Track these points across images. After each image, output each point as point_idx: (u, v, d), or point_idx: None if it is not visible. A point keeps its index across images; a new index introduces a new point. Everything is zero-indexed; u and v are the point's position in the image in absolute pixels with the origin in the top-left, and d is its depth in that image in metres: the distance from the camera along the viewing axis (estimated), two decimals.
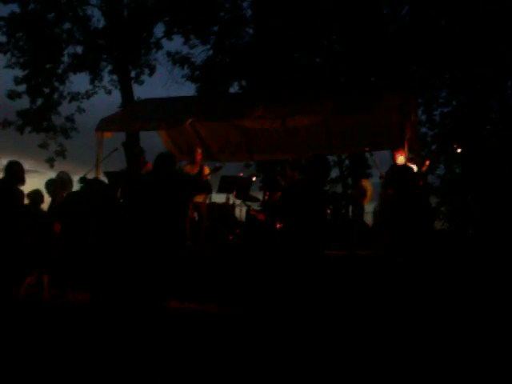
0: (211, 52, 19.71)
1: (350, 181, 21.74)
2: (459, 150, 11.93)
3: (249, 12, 19.72)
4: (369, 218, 10.56)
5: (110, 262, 6.68)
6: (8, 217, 6.30)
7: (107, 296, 6.35)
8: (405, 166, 8.71)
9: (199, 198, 10.00)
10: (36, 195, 8.11)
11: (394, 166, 9.02)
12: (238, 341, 5.35)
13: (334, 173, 22.36)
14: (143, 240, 6.28)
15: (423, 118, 19.06)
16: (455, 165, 20.11)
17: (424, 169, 9.15)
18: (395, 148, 9.26)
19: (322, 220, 6.03)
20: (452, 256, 8.34)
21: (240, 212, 11.26)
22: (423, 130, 18.90)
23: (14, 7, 18.65)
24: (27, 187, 7.20)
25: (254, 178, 11.13)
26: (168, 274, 6.55)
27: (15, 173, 6.79)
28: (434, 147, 19.63)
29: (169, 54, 19.97)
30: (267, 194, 10.63)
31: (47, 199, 8.38)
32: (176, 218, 6.68)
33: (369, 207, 10.45)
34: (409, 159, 8.92)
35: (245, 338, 5.47)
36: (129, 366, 4.40)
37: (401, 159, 8.90)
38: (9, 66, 18.85)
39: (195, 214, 10.09)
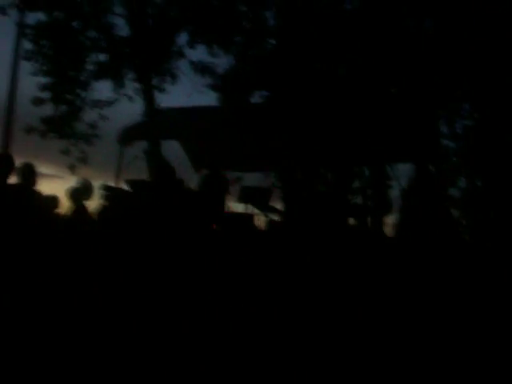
0: (233, 62, 19.79)
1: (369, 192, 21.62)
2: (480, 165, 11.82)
3: (272, 22, 19.77)
4: (389, 230, 10.50)
5: None
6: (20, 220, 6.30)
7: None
8: (428, 178, 8.64)
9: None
10: (52, 200, 8.21)
11: (416, 178, 8.95)
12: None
13: (354, 184, 22.30)
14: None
15: (444, 130, 18.95)
16: (476, 178, 19.95)
17: (445, 185, 9.07)
18: (417, 160, 9.22)
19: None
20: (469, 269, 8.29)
21: (259, 222, 11.26)
22: (445, 142, 18.79)
23: (41, 15, 18.91)
24: (48, 192, 7.25)
25: (274, 189, 11.17)
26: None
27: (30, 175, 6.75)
28: (455, 160, 19.50)
29: (191, 62, 20.07)
30: (286, 204, 10.65)
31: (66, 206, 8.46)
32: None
33: (389, 219, 10.40)
34: (430, 172, 8.87)
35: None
36: None
37: (422, 172, 8.86)
38: (34, 73, 19.08)
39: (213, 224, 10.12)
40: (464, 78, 17.52)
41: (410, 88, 16.48)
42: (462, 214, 21.08)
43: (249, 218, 10.58)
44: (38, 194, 6.75)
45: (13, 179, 6.56)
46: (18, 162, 6.60)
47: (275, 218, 10.66)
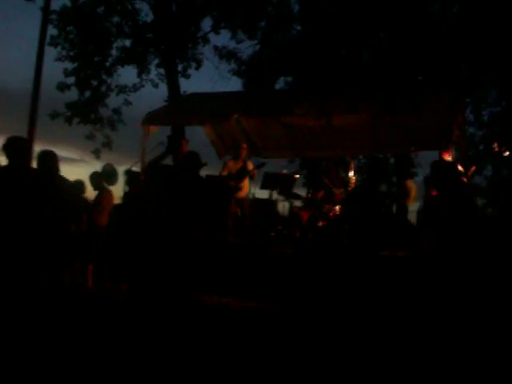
0: (258, 47, 19.70)
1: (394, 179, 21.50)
2: (507, 153, 11.63)
3: (296, 7, 19.61)
4: (413, 218, 10.42)
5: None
6: (49, 204, 6.30)
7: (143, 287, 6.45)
8: (449, 164, 8.49)
9: (242, 194, 10.05)
10: (78, 185, 8.25)
11: (436, 163, 8.76)
12: (276, 336, 5.35)
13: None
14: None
15: (471, 117, 18.70)
16: (503, 166, 19.70)
17: (469, 174, 8.93)
18: (442, 148, 9.13)
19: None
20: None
21: (283, 208, 11.26)
22: (471, 130, 18.55)
23: (65, 1, 19.00)
24: (73, 176, 7.28)
25: (297, 176, 11.14)
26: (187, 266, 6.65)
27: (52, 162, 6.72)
28: (481, 148, 19.25)
29: (216, 48, 20.02)
30: (310, 191, 10.62)
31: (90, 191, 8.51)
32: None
33: (413, 207, 10.32)
34: (455, 160, 8.77)
35: (284, 333, 5.47)
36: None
37: (448, 160, 8.77)
38: (59, 59, 19.18)
39: (238, 210, 10.14)
40: (491, 64, 17.24)
41: (436, 75, 16.26)
42: (487, 202, 20.86)
43: (272, 204, 10.59)
44: (64, 179, 6.77)
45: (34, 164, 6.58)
46: (41, 147, 6.58)
47: (298, 204, 10.65)
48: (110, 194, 8.55)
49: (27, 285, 5.59)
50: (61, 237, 6.35)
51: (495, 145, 10.89)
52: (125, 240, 7.10)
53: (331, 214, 9.89)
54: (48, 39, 17.12)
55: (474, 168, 9.02)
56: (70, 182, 7.30)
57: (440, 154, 9.09)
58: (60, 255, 6.42)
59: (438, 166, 8.37)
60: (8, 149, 5.77)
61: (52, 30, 18.45)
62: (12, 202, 5.64)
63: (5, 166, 5.80)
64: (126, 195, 7.89)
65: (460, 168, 8.81)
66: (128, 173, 8.27)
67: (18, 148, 5.88)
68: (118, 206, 8.03)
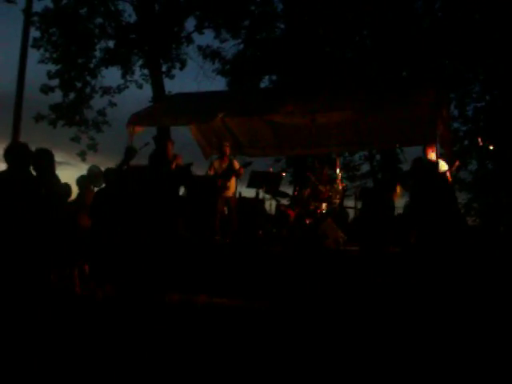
0: (242, 46, 19.74)
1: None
2: (491, 147, 11.72)
3: (280, 6, 19.67)
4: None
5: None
6: (33, 207, 6.26)
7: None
8: (429, 161, 8.53)
9: (229, 193, 10.06)
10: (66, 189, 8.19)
11: (417, 161, 8.80)
12: (263, 335, 5.35)
13: (365, 168, 22.32)
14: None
15: (455, 113, 18.82)
16: (488, 161, 19.83)
17: (453, 169, 8.97)
18: (426, 144, 9.16)
19: None
20: (480, 253, 8.24)
21: (270, 207, 11.27)
22: (455, 125, 18.67)
23: (48, 2, 18.94)
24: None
25: (283, 174, 11.16)
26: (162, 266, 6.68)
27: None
28: (466, 143, 19.37)
29: (200, 48, 20.03)
30: (297, 189, 10.64)
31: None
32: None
33: (400, 203, 10.35)
34: (440, 155, 8.80)
35: (270, 332, 5.47)
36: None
37: (432, 155, 8.81)
38: (42, 61, 19.11)
39: (225, 209, 10.14)
40: (474, 59, 17.37)
41: (421, 70, 16.37)
42: (473, 197, 21.01)
43: (259, 202, 10.60)
44: (58, 183, 6.75)
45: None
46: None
47: (285, 202, 10.67)
48: (92, 193, 8.49)
49: (17, 286, 5.59)
50: (53, 239, 6.34)
51: (479, 139, 10.95)
52: (104, 240, 7.09)
53: (318, 212, 9.91)
54: (31, 41, 17.08)
55: (457, 163, 9.05)
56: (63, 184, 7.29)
57: (424, 150, 9.12)
58: (50, 257, 6.41)
59: (419, 164, 8.42)
60: (8, 155, 5.80)
61: (34, 32, 18.40)
62: (8, 207, 5.67)
63: (4, 171, 5.85)
64: (99, 193, 7.86)
65: (444, 163, 8.85)
66: (107, 172, 8.21)
67: (17, 154, 5.91)
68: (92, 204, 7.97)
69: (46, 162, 6.45)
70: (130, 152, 7.88)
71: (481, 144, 11.32)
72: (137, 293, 6.56)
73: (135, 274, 6.74)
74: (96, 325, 5.44)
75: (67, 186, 7.82)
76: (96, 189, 8.39)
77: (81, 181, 8.41)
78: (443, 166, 8.76)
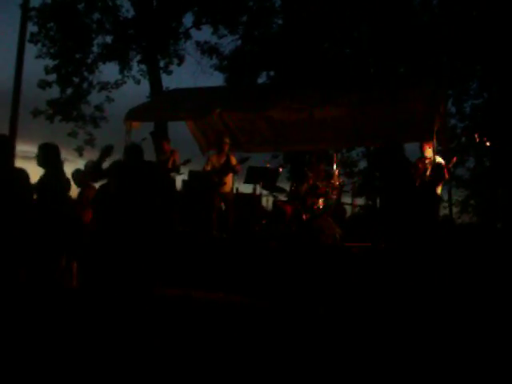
0: (240, 42, 19.73)
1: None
2: (488, 144, 11.72)
3: (278, 2, 19.65)
4: None
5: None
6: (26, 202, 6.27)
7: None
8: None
9: (226, 188, 10.05)
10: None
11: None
12: (260, 331, 5.36)
13: (362, 164, 22.32)
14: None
15: (453, 109, 18.87)
16: (485, 158, 19.88)
17: (450, 165, 8.97)
18: (423, 140, 9.18)
19: None
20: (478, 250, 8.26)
21: (267, 202, 11.28)
22: (453, 122, 18.71)
23: None
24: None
25: (280, 169, 11.16)
26: (153, 261, 6.67)
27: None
28: (463, 140, 19.40)
29: (197, 43, 20.03)
30: (294, 184, 10.64)
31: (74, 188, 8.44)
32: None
33: None
34: (437, 152, 8.81)
35: (268, 329, 5.48)
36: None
37: (429, 151, 8.83)
38: (39, 56, 19.09)
39: (222, 204, 10.13)
40: (472, 57, 17.38)
41: (418, 67, 16.38)
42: (470, 194, 21.06)
43: (256, 198, 10.61)
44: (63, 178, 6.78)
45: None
46: (23, 146, 6.57)
47: (282, 198, 10.67)
48: (93, 190, 8.49)
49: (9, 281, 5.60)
50: (50, 233, 6.36)
51: (476, 136, 10.96)
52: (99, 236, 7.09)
53: (315, 208, 9.92)
54: (28, 36, 17.06)
55: (455, 159, 9.06)
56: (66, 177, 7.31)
57: (421, 146, 9.15)
58: (47, 251, 6.42)
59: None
60: None
61: (32, 27, 18.37)
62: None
63: None
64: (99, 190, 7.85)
65: (440, 160, 8.86)
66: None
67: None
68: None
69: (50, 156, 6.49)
70: (107, 149, 7.86)
71: (477, 140, 11.32)
72: (125, 287, 6.57)
73: (124, 269, 6.75)
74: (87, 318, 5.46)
75: (67, 181, 7.80)
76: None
77: (77, 175, 8.41)
78: (440, 162, 8.79)
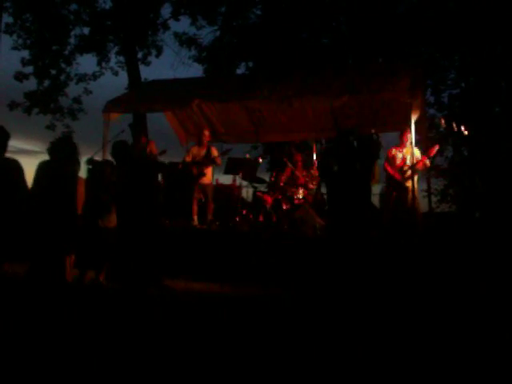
0: (218, 33, 19.64)
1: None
2: (466, 133, 11.78)
3: None
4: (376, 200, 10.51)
5: None
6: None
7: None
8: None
9: (206, 180, 10.03)
10: None
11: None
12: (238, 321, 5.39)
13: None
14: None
15: (431, 99, 18.95)
16: (463, 147, 20.00)
17: (432, 154, 8.96)
18: (402, 130, 9.23)
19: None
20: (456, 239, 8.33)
21: (247, 193, 11.30)
22: (431, 111, 18.80)
23: None
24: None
25: (260, 160, 11.17)
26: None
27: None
28: (441, 129, 19.50)
29: (176, 34, 19.91)
30: (274, 175, 10.67)
31: None
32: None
33: (376, 189, 10.38)
34: (416, 142, 8.85)
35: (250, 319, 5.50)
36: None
37: (408, 141, 8.89)
38: (15, 48, 18.88)
39: (202, 195, 10.12)
40: (450, 47, 17.47)
41: (396, 57, 16.42)
42: (448, 183, 21.20)
43: (236, 189, 10.63)
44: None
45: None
46: None
47: (262, 188, 10.69)
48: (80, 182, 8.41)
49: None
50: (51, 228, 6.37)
51: (454, 125, 11.02)
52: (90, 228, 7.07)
53: (295, 198, 9.95)
54: (3, 27, 16.87)
55: (437, 147, 9.06)
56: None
57: (401, 136, 9.20)
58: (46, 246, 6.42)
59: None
60: None
61: (8, 18, 18.16)
62: None
63: None
64: (88, 184, 7.78)
65: (417, 150, 8.90)
66: (90, 162, 8.13)
67: None
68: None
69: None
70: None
71: (455, 130, 11.39)
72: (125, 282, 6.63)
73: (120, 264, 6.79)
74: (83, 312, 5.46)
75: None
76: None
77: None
78: (416, 152, 8.82)
